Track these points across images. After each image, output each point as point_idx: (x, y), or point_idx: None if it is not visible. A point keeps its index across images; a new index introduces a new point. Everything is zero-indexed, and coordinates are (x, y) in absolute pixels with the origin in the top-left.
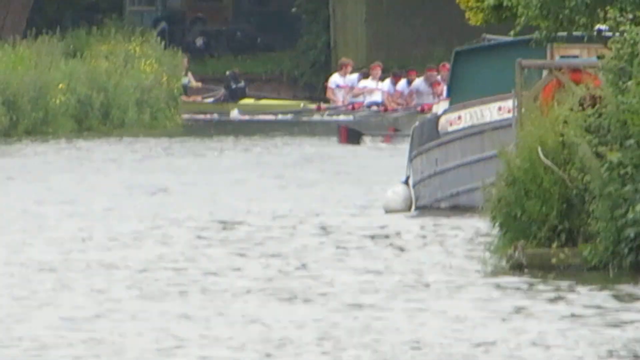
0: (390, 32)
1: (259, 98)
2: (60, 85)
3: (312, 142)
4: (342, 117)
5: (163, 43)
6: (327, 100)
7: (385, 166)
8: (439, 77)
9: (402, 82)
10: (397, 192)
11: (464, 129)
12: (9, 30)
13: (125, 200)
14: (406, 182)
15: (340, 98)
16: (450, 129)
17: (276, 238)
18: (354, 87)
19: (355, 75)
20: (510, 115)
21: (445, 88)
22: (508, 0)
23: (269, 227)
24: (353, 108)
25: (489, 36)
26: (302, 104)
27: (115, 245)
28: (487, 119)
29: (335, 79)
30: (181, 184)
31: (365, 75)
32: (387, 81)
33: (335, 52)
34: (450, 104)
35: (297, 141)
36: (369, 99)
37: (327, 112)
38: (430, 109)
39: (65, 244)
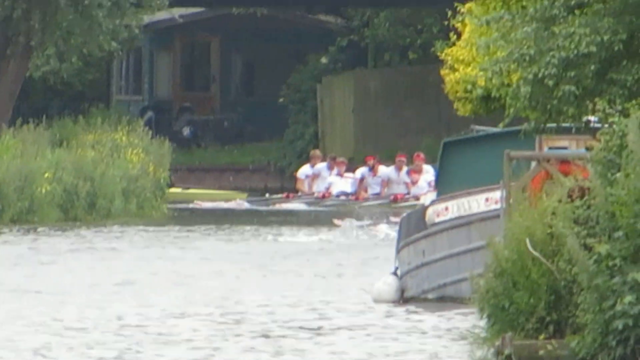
0: (378, 123)
1: (186, 188)
2: (46, 174)
3: (292, 232)
4: (311, 207)
5: (150, 132)
6: (296, 191)
7: (374, 256)
8: (412, 166)
9: (364, 170)
10: (387, 283)
11: (451, 220)
12: None
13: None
14: (395, 273)
15: (306, 188)
16: (437, 220)
17: (267, 329)
18: (320, 174)
19: (324, 165)
20: (497, 206)
21: (420, 177)
22: (497, 91)
23: (256, 316)
24: (323, 197)
25: (477, 127)
26: (243, 196)
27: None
28: (474, 210)
29: (304, 170)
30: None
31: (331, 167)
32: (364, 169)
33: (322, 142)
34: (438, 195)
35: (280, 230)
36: (337, 188)
37: (295, 200)
38: (402, 198)
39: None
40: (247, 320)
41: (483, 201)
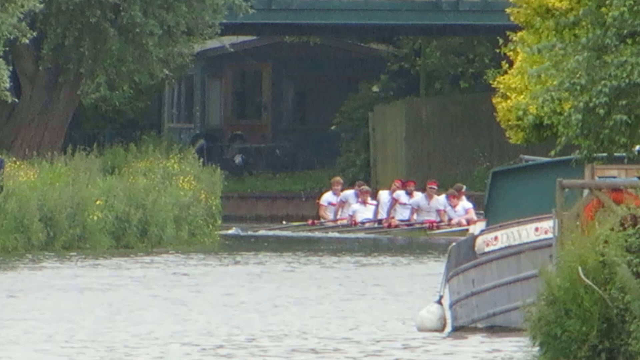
0: (429, 151)
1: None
2: (98, 202)
3: (350, 259)
4: (345, 235)
5: (202, 160)
6: (318, 218)
7: (417, 285)
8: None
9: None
10: (431, 312)
11: (500, 249)
12: (47, 146)
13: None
14: (439, 302)
15: (331, 216)
16: (486, 249)
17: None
18: (348, 201)
19: (351, 192)
20: (547, 235)
21: (459, 203)
22: (548, 119)
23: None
24: (353, 224)
25: (526, 157)
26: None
27: None
28: (524, 239)
29: (327, 197)
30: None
31: (359, 194)
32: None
33: (374, 170)
34: (487, 224)
35: (328, 258)
36: (361, 216)
37: (321, 228)
38: (437, 225)
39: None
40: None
41: (533, 231)
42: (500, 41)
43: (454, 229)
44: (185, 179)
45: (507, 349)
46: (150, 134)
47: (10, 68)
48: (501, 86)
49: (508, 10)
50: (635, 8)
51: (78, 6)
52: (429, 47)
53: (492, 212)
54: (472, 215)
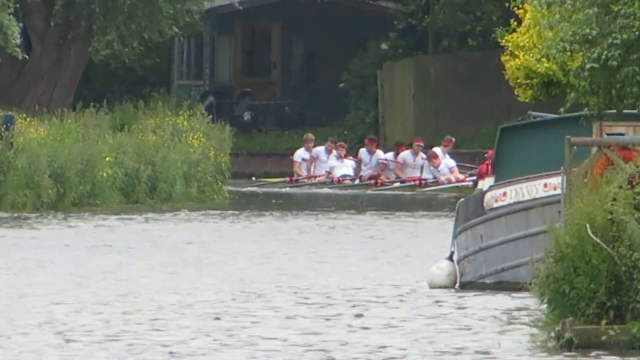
0: (438, 109)
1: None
2: (108, 159)
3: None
4: (328, 190)
5: (211, 117)
6: (291, 174)
7: (428, 242)
8: (437, 151)
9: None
10: (441, 268)
11: (509, 205)
12: (57, 103)
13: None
14: (450, 258)
15: (304, 171)
16: (495, 205)
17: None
18: (319, 157)
19: (321, 148)
20: (556, 192)
21: (441, 161)
22: (560, 75)
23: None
24: (338, 181)
25: (534, 113)
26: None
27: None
28: (533, 195)
29: (300, 153)
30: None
31: (329, 150)
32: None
33: (383, 128)
34: (495, 180)
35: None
36: (339, 172)
37: (301, 183)
38: (425, 183)
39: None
40: (307, 299)
41: (542, 187)
42: None
43: (443, 186)
44: (195, 136)
45: (514, 306)
46: (160, 91)
47: (21, 25)
48: (509, 44)
49: None
50: None
51: None
52: (437, 4)
53: (501, 168)
54: (457, 173)
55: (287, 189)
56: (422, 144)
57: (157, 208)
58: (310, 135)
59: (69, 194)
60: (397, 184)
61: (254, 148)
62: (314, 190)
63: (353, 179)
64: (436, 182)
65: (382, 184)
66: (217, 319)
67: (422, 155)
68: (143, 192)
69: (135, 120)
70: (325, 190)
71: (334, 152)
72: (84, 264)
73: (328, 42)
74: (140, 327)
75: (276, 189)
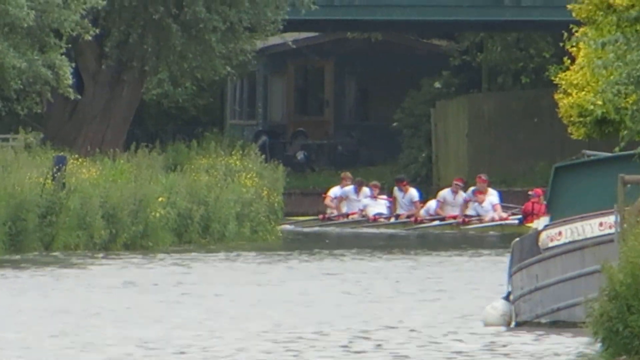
0: (492, 147)
1: None
2: (160, 199)
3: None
4: (375, 230)
5: (264, 157)
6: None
7: (488, 280)
8: (477, 187)
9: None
10: (495, 307)
11: (564, 244)
12: (110, 143)
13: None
14: (507, 298)
15: (340, 209)
16: (550, 244)
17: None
18: (348, 197)
19: (350, 187)
20: (611, 230)
21: (485, 198)
22: (616, 113)
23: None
24: (374, 219)
25: (588, 152)
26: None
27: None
28: (588, 234)
29: (334, 191)
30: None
31: (359, 188)
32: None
33: (437, 166)
34: (550, 220)
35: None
36: (372, 210)
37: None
38: (469, 221)
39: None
40: (350, 344)
41: (597, 226)
42: (565, 35)
43: (486, 224)
44: (248, 176)
45: (569, 345)
46: (213, 131)
47: (73, 65)
48: (563, 82)
49: (570, 6)
50: None
51: (141, 2)
52: (490, 41)
53: (555, 207)
54: (500, 211)
55: (324, 227)
56: (461, 183)
57: (209, 248)
58: (348, 174)
59: (121, 235)
60: (437, 222)
61: (307, 187)
62: (349, 229)
63: (388, 217)
64: (479, 219)
65: (422, 222)
66: None
67: (462, 194)
68: (196, 232)
69: (188, 160)
70: (364, 229)
71: (366, 190)
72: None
73: (381, 80)
74: None
75: (316, 228)
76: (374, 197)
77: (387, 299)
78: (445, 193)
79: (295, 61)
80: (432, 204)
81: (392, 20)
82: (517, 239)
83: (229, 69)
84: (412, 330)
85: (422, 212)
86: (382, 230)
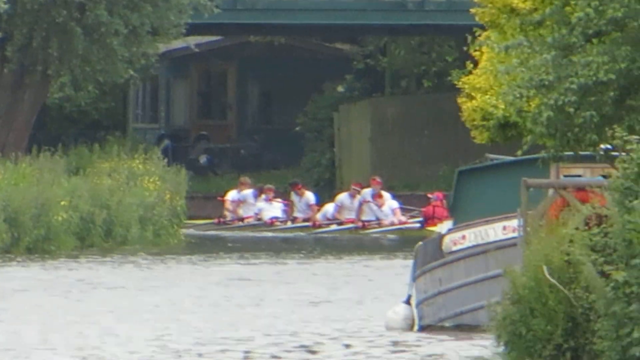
0: (395, 151)
1: None
2: (63, 202)
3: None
4: (269, 234)
5: (166, 160)
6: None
7: (388, 284)
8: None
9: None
10: (397, 312)
11: (468, 248)
12: (12, 146)
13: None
14: (407, 302)
15: (236, 213)
16: (454, 248)
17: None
18: (246, 200)
19: (249, 191)
20: (514, 234)
21: (385, 202)
22: (516, 117)
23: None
24: (271, 223)
25: (491, 156)
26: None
27: None
28: (492, 238)
29: (232, 194)
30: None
31: (259, 193)
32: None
33: (339, 170)
34: (454, 223)
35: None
36: (268, 214)
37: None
38: (369, 225)
39: None
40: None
41: (500, 229)
42: (469, 38)
43: (386, 228)
44: (150, 179)
45: (473, 348)
46: (115, 135)
47: None
48: (466, 86)
49: (473, 10)
50: (601, 8)
51: (44, 6)
52: (394, 44)
53: (459, 211)
54: (400, 215)
55: (221, 231)
56: (359, 188)
57: (112, 252)
58: (246, 178)
59: (23, 238)
60: (335, 227)
61: (210, 191)
62: (248, 233)
63: (284, 221)
64: (378, 224)
65: (320, 226)
66: None
67: (360, 198)
68: (98, 236)
69: (91, 164)
70: (262, 233)
71: (263, 195)
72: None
73: (284, 84)
74: None
75: (212, 232)
76: (269, 200)
77: (286, 305)
78: (343, 197)
79: (198, 65)
80: (329, 207)
81: (295, 24)
82: (421, 242)
83: (131, 72)
84: (313, 334)
85: (319, 216)
86: (279, 234)
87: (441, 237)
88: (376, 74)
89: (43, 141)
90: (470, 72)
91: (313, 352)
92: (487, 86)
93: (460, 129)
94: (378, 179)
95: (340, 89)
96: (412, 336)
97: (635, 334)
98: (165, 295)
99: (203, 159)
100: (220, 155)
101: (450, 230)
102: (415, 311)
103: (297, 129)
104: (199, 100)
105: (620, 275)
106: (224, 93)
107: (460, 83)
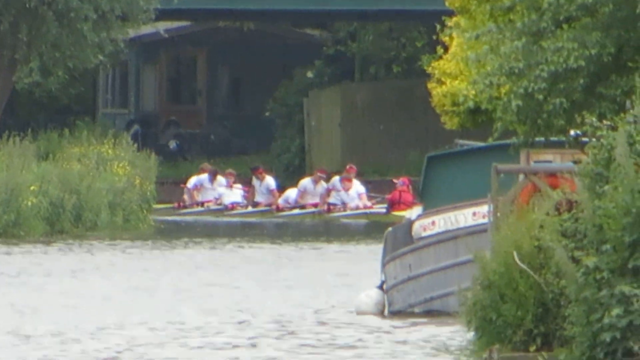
0: (365, 136)
1: None
2: (32, 187)
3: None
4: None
5: (136, 146)
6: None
7: (355, 269)
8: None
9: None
10: (370, 296)
11: (438, 234)
12: None
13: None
14: (381, 287)
15: (193, 197)
16: (424, 234)
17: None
18: (203, 185)
19: (205, 176)
20: (484, 220)
21: (356, 187)
22: (487, 104)
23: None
24: (232, 207)
25: (461, 141)
26: None
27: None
28: (462, 224)
29: (192, 180)
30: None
31: (214, 177)
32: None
33: (309, 156)
34: (424, 209)
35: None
36: (228, 199)
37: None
38: (335, 209)
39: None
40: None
41: (470, 215)
42: (438, 27)
43: (351, 212)
44: (120, 165)
45: (443, 334)
46: (85, 120)
47: None
48: (436, 71)
49: None
50: None
51: None
52: (363, 30)
53: (428, 196)
54: (365, 199)
55: (181, 216)
56: (323, 175)
57: (80, 237)
58: (207, 165)
59: None
60: (297, 211)
61: (179, 176)
62: (208, 218)
63: (245, 206)
64: (343, 207)
65: (282, 210)
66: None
67: (323, 184)
68: (68, 221)
69: (60, 149)
70: (229, 218)
71: (221, 179)
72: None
73: (254, 69)
74: None
75: (174, 217)
76: (229, 185)
77: (255, 288)
78: (306, 182)
79: (168, 50)
80: (291, 193)
81: (265, 9)
82: (390, 228)
83: (101, 57)
84: (282, 320)
85: (280, 201)
86: (242, 219)
87: (411, 223)
88: (346, 59)
89: (13, 127)
90: (440, 57)
91: (282, 337)
92: (457, 71)
93: (430, 114)
94: (354, 167)
95: (309, 74)
96: (382, 321)
97: (606, 320)
98: (145, 280)
99: (173, 145)
100: (189, 140)
101: (419, 216)
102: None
103: (267, 114)
104: (168, 86)
105: (590, 261)
106: (194, 79)
107: (430, 68)
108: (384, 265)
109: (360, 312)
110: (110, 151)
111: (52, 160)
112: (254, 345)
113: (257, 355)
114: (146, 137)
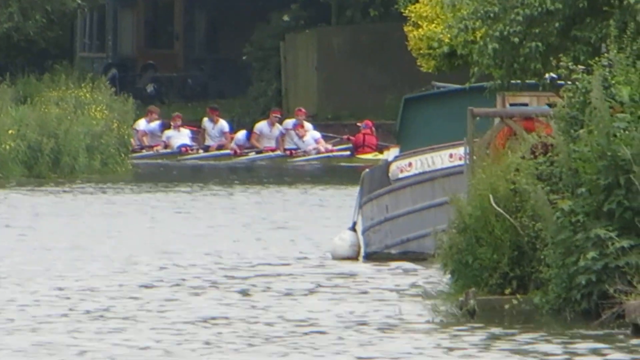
0: (341, 80)
1: None
2: (10, 131)
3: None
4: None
5: (114, 89)
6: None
7: (330, 213)
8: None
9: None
10: (344, 239)
11: (414, 175)
12: None
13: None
14: (353, 229)
15: (143, 141)
16: (400, 175)
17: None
18: (154, 134)
19: (157, 124)
20: (461, 162)
21: (307, 133)
22: (462, 49)
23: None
24: (185, 151)
25: (438, 84)
26: None
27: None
28: (438, 166)
29: (141, 123)
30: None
31: (166, 125)
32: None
33: (286, 99)
34: (400, 151)
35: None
36: (176, 142)
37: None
38: (295, 153)
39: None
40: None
41: (447, 157)
42: None
43: (314, 156)
44: (98, 108)
45: (419, 276)
46: (63, 64)
47: None
48: (412, 15)
49: None
50: None
51: None
52: None
53: (405, 138)
54: (324, 143)
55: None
56: (279, 116)
57: (57, 181)
58: (155, 107)
59: None
60: (253, 155)
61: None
62: (161, 161)
63: (195, 149)
64: (305, 152)
65: (241, 155)
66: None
67: (279, 126)
68: (46, 165)
69: (38, 93)
70: (184, 162)
71: (172, 123)
72: None
73: (231, 13)
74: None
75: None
76: (177, 128)
77: (225, 232)
78: (262, 125)
79: None
80: (240, 135)
81: None
82: (367, 170)
83: (79, 1)
84: (256, 265)
85: (232, 144)
86: (198, 162)
87: (388, 164)
88: (322, 3)
89: None
90: (417, 1)
91: (257, 284)
92: (433, 15)
93: (406, 58)
94: (303, 110)
95: (285, 18)
96: (358, 264)
97: (581, 262)
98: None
99: (150, 89)
100: (167, 84)
101: (396, 158)
102: (361, 238)
103: (244, 58)
104: (146, 30)
105: (566, 204)
106: (171, 22)
107: (407, 11)
108: (360, 206)
109: (335, 256)
110: (88, 95)
111: (30, 104)
112: (240, 293)
113: (236, 305)
114: (124, 81)
